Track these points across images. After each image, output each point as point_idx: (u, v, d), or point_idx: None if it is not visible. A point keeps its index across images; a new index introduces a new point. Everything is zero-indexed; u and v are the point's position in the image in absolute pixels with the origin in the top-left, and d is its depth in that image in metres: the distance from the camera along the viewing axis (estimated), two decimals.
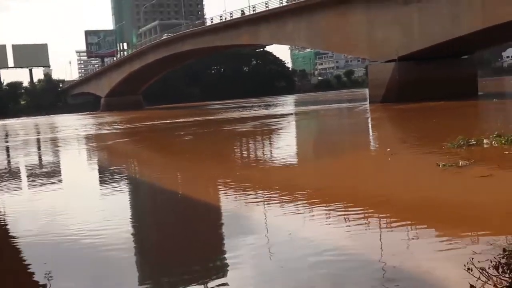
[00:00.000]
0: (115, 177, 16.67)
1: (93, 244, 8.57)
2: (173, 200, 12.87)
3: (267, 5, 68.37)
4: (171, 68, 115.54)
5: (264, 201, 11.15)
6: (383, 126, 31.61)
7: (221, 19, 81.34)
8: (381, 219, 8.92)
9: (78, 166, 22.31)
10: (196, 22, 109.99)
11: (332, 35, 57.24)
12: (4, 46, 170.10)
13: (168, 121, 49.41)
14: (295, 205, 10.46)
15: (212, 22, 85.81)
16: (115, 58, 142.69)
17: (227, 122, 41.60)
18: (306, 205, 10.44)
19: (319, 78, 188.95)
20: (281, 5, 66.25)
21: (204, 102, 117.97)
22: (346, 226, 8.60)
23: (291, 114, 49.90)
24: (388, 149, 17.12)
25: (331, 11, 56.82)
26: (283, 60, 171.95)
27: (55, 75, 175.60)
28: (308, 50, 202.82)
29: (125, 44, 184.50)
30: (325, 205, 10.21)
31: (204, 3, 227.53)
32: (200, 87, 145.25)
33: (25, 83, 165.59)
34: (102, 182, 16.54)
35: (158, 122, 50.18)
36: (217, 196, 12.75)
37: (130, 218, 11.09)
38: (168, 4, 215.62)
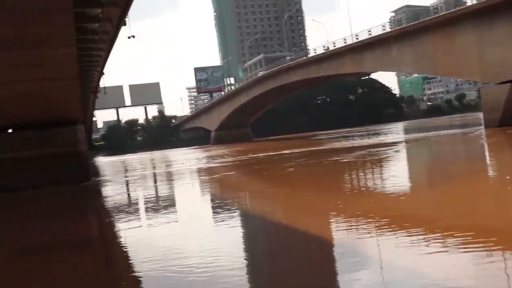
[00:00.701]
0: (227, 210, 17.08)
1: (207, 275, 8.77)
2: (284, 232, 12.90)
3: (370, 33, 67.79)
4: (277, 100, 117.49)
5: (376, 234, 10.86)
6: (501, 152, 29.74)
7: (324, 49, 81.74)
8: (507, 257, 8.31)
9: (192, 199, 23.14)
10: (300, 53, 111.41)
11: (440, 58, 55.34)
12: (121, 87, 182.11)
13: (275, 153, 50.01)
14: (409, 238, 10.06)
15: (315, 52, 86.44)
16: (223, 93, 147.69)
17: (334, 152, 41.29)
18: (422, 238, 10.00)
19: (428, 103, 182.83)
20: (384, 31, 65.39)
21: (312, 132, 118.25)
22: (468, 263, 8.11)
23: (401, 142, 48.52)
24: (508, 177, 16.06)
25: (437, 34, 55.10)
26: (389, 86, 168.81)
27: (168, 111, 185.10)
28: (416, 75, 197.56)
29: (231, 79, 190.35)
30: (441, 239, 9.72)
31: (306, 34, 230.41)
32: (308, 117, 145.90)
33: (141, 120, 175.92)
34: (214, 214, 17.01)
35: (266, 154, 50.94)
36: (328, 228, 12.61)
37: (243, 250, 11.26)
38: (271, 37, 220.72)
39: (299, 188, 21.84)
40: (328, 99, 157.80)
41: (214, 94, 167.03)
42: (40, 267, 11.26)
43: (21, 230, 18.15)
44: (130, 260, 11.15)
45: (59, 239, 14.92)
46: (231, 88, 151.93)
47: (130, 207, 21.82)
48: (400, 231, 10.72)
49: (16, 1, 14.66)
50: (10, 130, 38.56)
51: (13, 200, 31.14)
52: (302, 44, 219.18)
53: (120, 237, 14.58)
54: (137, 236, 14.01)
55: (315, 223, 13.34)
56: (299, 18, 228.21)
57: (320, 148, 51.28)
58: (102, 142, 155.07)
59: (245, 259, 10.41)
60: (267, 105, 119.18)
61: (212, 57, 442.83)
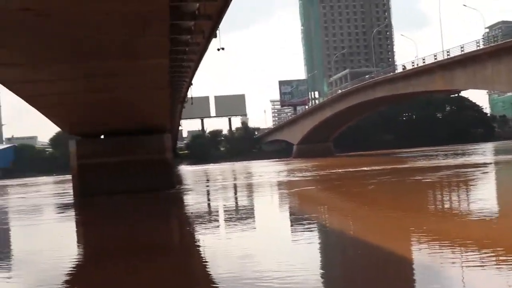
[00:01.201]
0: (305, 224, 16.99)
1: None
2: (363, 250, 12.66)
3: (462, 49, 65.42)
4: (361, 115, 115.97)
5: (460, 260, 10.39)
6: None
7: (413, 65, 79.83)
8: None
9: (270, 211, 23.25)
10: (387, 68, 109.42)
11: None
12: (207, 98, 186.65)
13: (356, 169, 49.23)
14: (497, 266, 9.55)
15: (404, 68, 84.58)
16: (306, 107, 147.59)
17: (418, 171, 40.03)
18: (510, 268, 9.48)
19: None
20: (478, 47, 62.87)
21: (395, 149, 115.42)
22: None
23: (490, 163, 46.23)
24: None
25: None
26: (480, 105, 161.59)
27: (251, 123, 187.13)
28: (510, 94, 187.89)
29: (316, 93, 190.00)
30: None
31: (394, 50, 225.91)
32: (392, 134, 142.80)
33: (225, 131, 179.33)
34: (292, 228, 17.00)
35: (347, 169, 50.27)
36: (408, 250, 12.22)
37: (319, 267, 11.15)
38: (358, 52, 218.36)
39: (379, 206, 21.34)
40: (414, 116, 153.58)
41: (298, 108, 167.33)
42: (123, 268, 11.73)
43: (111, 232, 19.03)
44: (206, 268, 11.36)
45: (141, 242, 15.47)
46: (315, 102, 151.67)
47: (210, 216, 22.29)
48: (486, 258, 10.20)
49: (125, 5, 15.34)
50: (102, 137, 40.61)
51: (102, 203, 32.67)
52: (390, 59, 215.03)
53: (199, 245, 14.90)
54: (215, 245, 14.24)
55: (395, 244, 12.96)
56: (388, 33, 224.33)
57: (403, 166, 49.90)
58: (186, 151, 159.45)
59: (320, 276, 10.30)
60: (350, 120, 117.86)
61: (297, 71, 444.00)
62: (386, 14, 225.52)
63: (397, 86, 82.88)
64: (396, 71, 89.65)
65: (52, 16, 15.36)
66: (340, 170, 49.77)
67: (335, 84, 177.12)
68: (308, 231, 15.65)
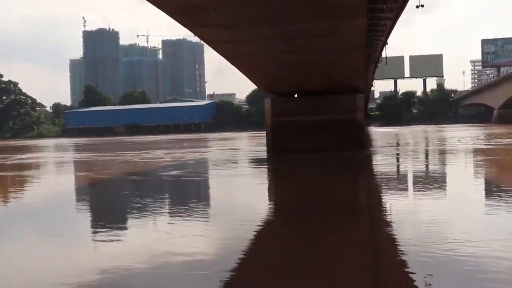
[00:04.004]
0: (501, 196, 15.87)
1: (472, 263, 8.46)
2: None
3: None
4: None
5: None
6: None
7: None
8: None
9: (463, 178, 22.15)
10: None
11: None
12: (402, 58, 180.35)
13: None
14: None
15: None
16: None
17: None
18: None
19: None
20: None
21: None
22: None
23: None
24: None
25: None
26: None
27: (447, 85, 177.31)
28: None
29: None
30: None
31: None
32: None
33: (418, 93, 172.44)
34: (487, 199, 16.04)
35: None
36: None
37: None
38: None
39: None
40: None
41: (502, 69, 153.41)
42: (307, 227, 12.32)
43: (299, 189, 19.97)
44: (393, 235, 11.38)
45: (327, 201, 15.98)
46: None
47: (399, 180, 22.02)
48: None
49: None
50: (295, 96, 41.98)
51: (294, 159, 34.13)
52: None
53: (387, 208, 14.92)
54: (402, 211, 14.12)
55: None
56: None
57: None
58: (377, 112, 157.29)
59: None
60: None
61: (504, 28, 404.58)
62: None
63: None
64: None
65: None
66: None
67: None
68: (505, 203, 14.63)
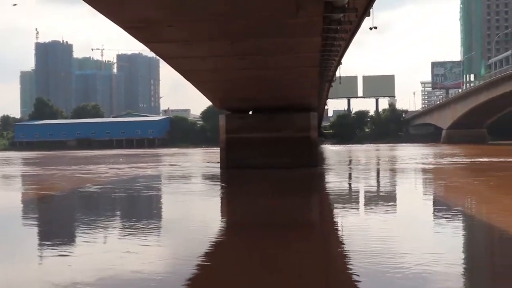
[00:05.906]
0: (448, 214, 16.32)
1: (421, 276, 8.64)
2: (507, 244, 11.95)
3: None
4: None
5: None
6: None
7: None
8: None
9: (412, 197, 22.65)
10: None
11: None
12: (355, 78, 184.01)
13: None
14: None
15: None
16: (460, 90, 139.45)
17: None
18: None
19: None
20: None
21: None
22: None
23: None
24: None
25: None
26: None
27: (399, 106, 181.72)
28: None
29: (471, 76, 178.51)
30: None
31: None
32: None
33: (371, 112, 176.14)
34: (435, 216, 16.45)
35: (506, 159, 46.94)
36: None
37: (462, 257, 10.72)
38: None
39: None
40: None
41: (450, 91, 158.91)
42: (262, 242, 12.32)
43: (252, 206, 19.96)
44: (344, 249, 11.51)
45: (279, 219, 16.02)
46: (469, 85, 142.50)
47: (350, 198, 22.35)
48: None
49: None
50: (250, 112, 42.14)
51: (247, 175, 34.13)
52: None
53: (337, 224, 15.09)
54: (352, 227, 14.30)
55: None
56: None
57: None
58: (331, 131, 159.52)
59: (463, 266, 9.92)
60: (510, 106, 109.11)
61: (452, 52, 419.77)
62: None
63: None
64: None
65: None
66: (496, 160, 46.62)
67: (495, 66, 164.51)
68: (451, 220, 15.04)
